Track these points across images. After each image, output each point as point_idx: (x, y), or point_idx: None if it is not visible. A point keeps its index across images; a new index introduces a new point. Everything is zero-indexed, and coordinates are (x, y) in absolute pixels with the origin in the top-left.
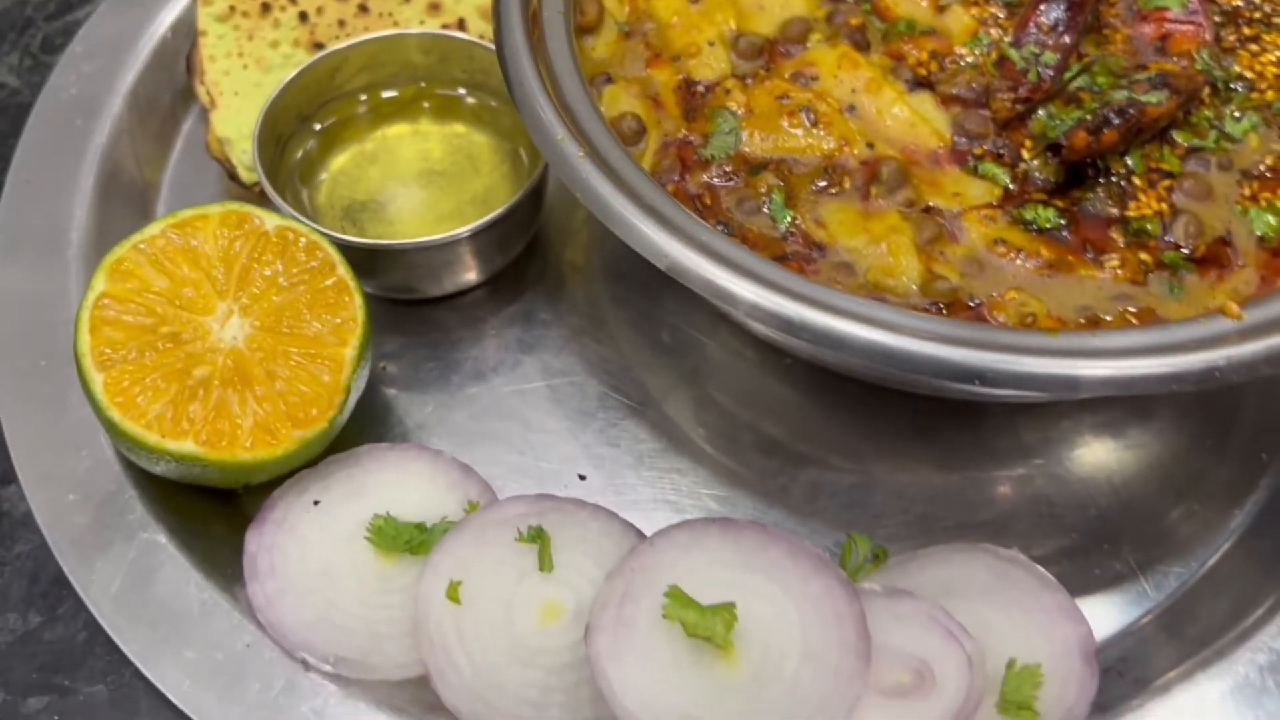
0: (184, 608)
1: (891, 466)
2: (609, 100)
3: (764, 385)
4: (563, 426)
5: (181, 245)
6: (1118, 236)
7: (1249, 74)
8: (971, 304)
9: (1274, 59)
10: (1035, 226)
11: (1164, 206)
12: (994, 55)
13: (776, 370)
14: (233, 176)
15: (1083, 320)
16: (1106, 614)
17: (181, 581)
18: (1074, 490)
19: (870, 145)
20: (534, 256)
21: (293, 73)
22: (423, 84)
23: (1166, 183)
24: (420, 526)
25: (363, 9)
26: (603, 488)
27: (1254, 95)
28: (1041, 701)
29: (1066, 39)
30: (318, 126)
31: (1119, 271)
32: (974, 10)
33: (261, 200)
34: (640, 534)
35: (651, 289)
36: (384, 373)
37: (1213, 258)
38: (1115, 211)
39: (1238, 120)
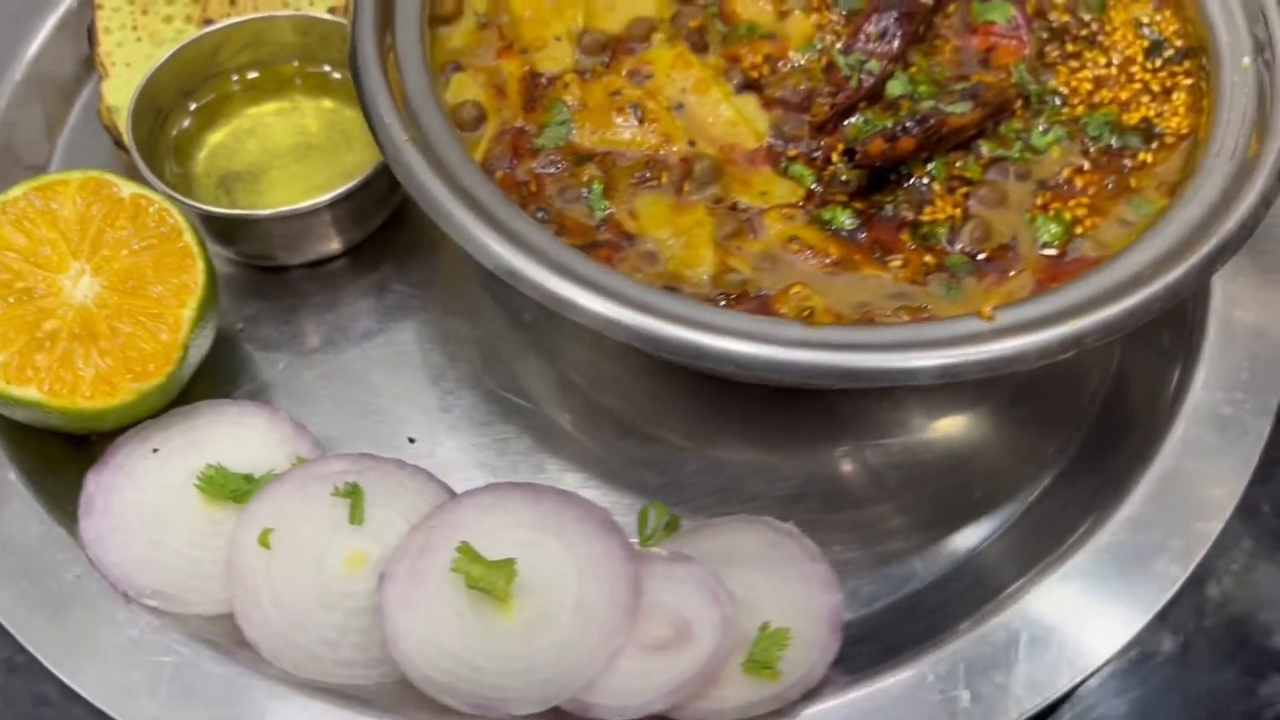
0: (26, 541)
1: (707, 442)
2: (456, 88)
3: (609, 363)
4: (402, 392)
5: (42, 208)
6: (907, 239)
7: (1064, 89)
8: (755, 295)
9: (1090, 75)
10: (831, 226)
11: (957, 212)
12: (823, 61)
13: (622, 350)
14: (119, 143)
15: (858, 316)
16: (872, 587)
17: (27, 517)
18: (872, 470)
19: (692, 143)
20: (399, 229)
21: (174, 48)
22: (297, 62)
23: (965, 189)
24: (248, 477)
25: None
26: (430, 451)
27: (1065, 110)
28: (785, 662)
29: (893, 46)
30: (197, 103)
31: (900, 271)
32: (814, 17)
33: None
34: (453, 494)
35: None
36: (240, 333)
37: (994, 262)
38: (910, 215)
39: (1044, 133)
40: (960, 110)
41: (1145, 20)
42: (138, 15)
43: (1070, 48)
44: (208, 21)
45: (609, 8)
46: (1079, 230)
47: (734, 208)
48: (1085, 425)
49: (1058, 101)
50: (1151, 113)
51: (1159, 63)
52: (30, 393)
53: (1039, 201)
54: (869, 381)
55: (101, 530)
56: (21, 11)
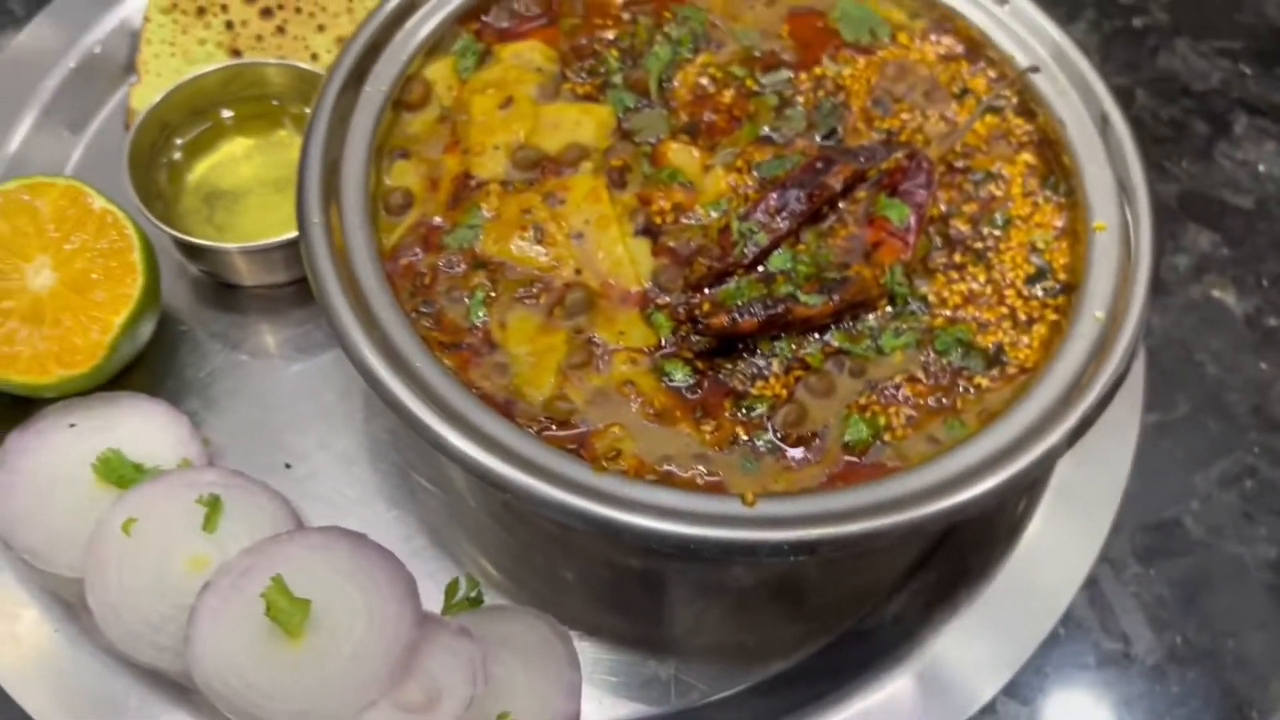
0: None
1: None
2: (396, 173)
3: None
4: (295, 420)
5: (28, 202)
6: (729, 407)
7: (934, 297)
8: (579, 427)
9: (964, 289)
10: (669, 378)
11: (784, 392)
12: (722, 222)
13: None
14: None
15: (659, 469)
16: (629, 704)
17: None
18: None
19: (578, 271)
20: None
21: (194, 74)
22: (291, 105)
23: (800, 373)
24: (138, 467)
25: (280, 30)
26: (301, 479)
27: (925, 318)
28: None
29: (784, 225)
30: (200, 126)
31: (711, 435)
32: (732, 177)
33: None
34: (300, 525)
35: None
36: (183, 334)
37: (797, 448)
38: (739, 386)
39: (896, 335)
40: (813, 302)
41: (1040, 246)
42: (178, 33)
43: (958, 258)
44: (235, 51)
45: (553, 127)
46: (886, 437)
47: (590, 340)
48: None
49: (920, 308)
50: (1007, 340)
51: (1037, 291)
52: None
53: (861, 400)
54: (616, 538)
55: (5, 484)
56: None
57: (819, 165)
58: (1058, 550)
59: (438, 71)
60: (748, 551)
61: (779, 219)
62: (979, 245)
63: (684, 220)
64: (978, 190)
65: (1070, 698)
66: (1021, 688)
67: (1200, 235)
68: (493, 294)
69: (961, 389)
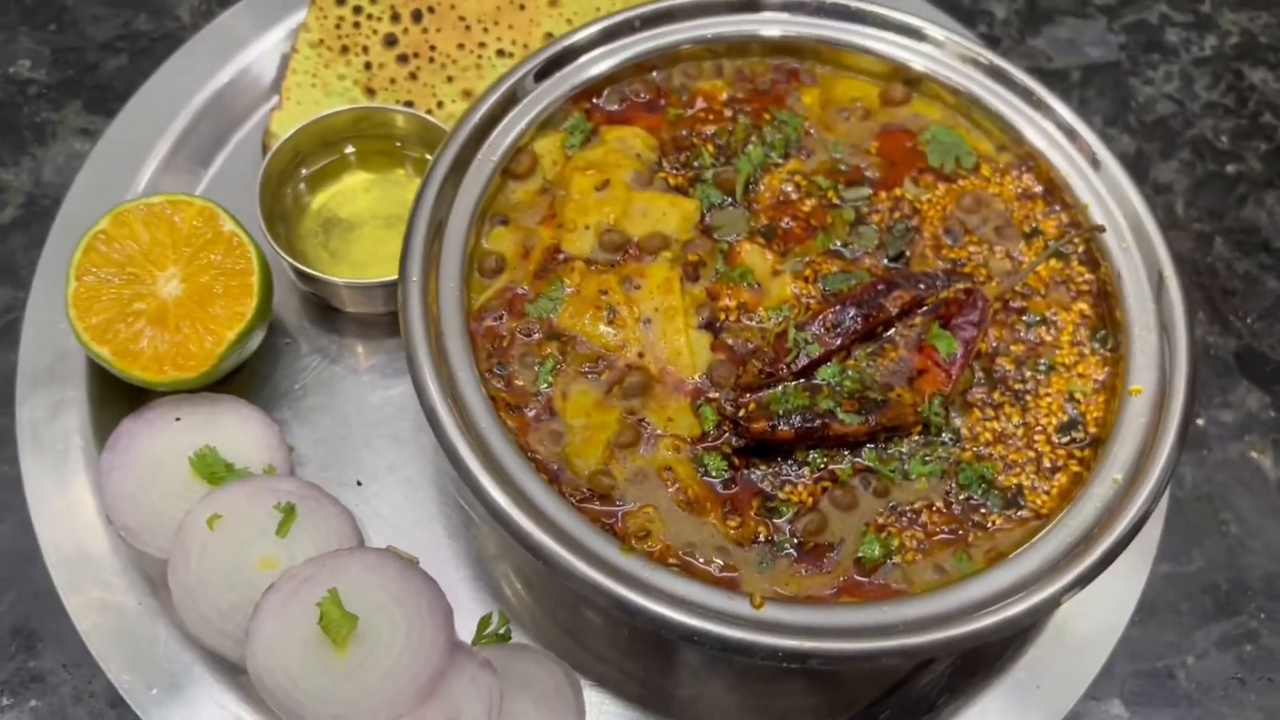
0: (67, 449)
1: None
2: (494, 237)
3: None
4: (373, 442)
5: (168, 216)
6: (756, 506)
7: (966, 431)
8: (617, 503)
9: (997, 428)
10: (705, 470)
11: (809, 500)
12: (781, 327)
13: None
14: None
15: (682, 554)
16: None
17: (79, 432)
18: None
19: (641, 355)
20: None
21: (332, 110)
22: (414, 149)
23: (827, 484)
24: (229, 466)
25: (412, 76)
26: (368, 498)
27: (954, 449)
28: None
29: (837, 341)
30: (331, 156)
31: (734, 531)
32: (798, 285)
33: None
34: (361, 541)
35: None
36: (286, 347)
37: (812, 555)
38: (768, 488)
39: (924, 463)
40: (850, 422)
41: (1079, 396)
42: (320, 67)
43: (997, 396)
44: (370, 90)
45: (641, 214)
46: (896, 559)
47: (640, 422)
48: None
49: (951, 439)
50: (1027, 484)
51: (1065, 440)
52: (104, 352)
53: (880, 520)
54: (630, 617)
55: (115, 464)
56: (251, 26)
57: (880, 287)
58: (1045, 680)
59: (546, 145)
60: (745, 651)
61: (833, 335)
62: (1019, 386)
63: (745, 320)
64: (1028, 332)
65: None
66: None
67: (1250, 394)
68: (561, 365)
69: (975, 525)
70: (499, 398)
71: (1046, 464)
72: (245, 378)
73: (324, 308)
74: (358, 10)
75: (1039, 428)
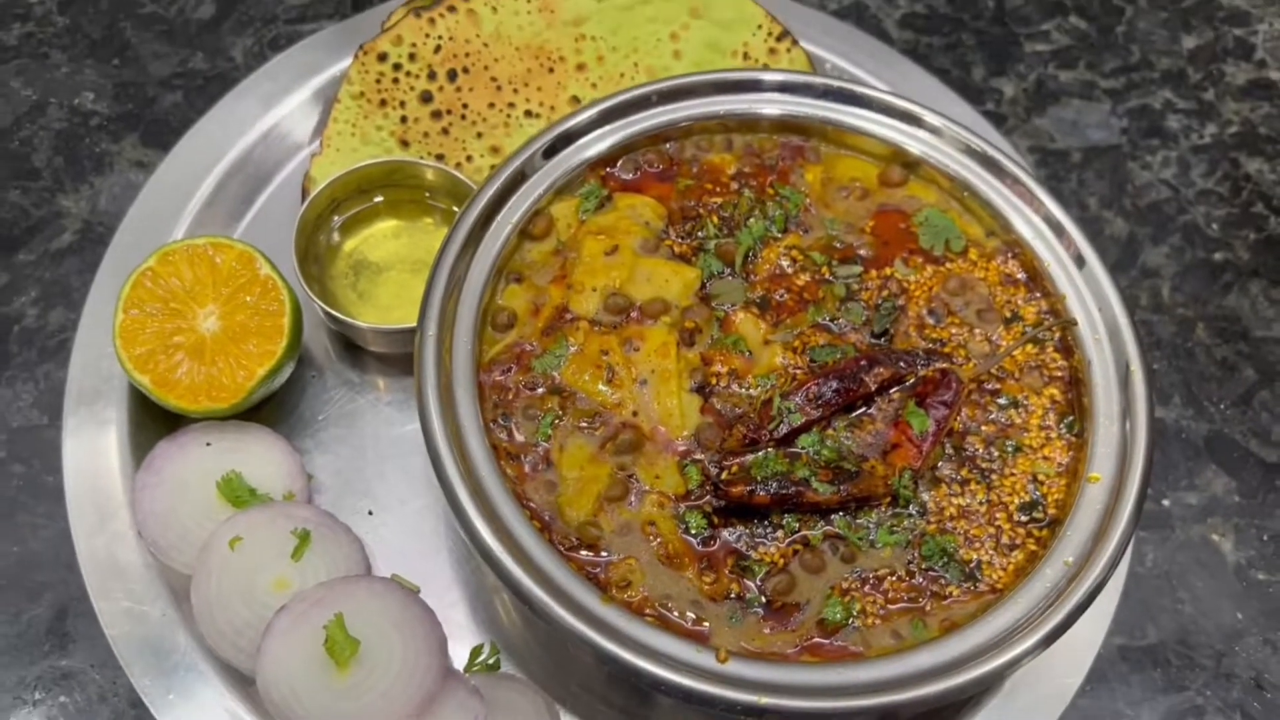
0: (105, 466)
1: None
2: (508, 294)
3: None
4: (386, 474)
5: (210, 256)
6: (730, 564)
7: (932, 505)
8: (603, 556)
9: (961, 504)
10: (686, 526)
11: (780, 561)
12: (767, 394)
13: None
14: None
15: (659, 605)
16: None
17: (117, 451)
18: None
19: (635, 414)
20: None
21: (368, 161)
22: (429, 195)
23: (798, 547)
24: (253, 491)
25: (444, 131)
26: (376, 526)
27: (920, 522)
28: None
29: (817, 413)
30: (365, 203)
31: (708, 586)
32: (787, 356)
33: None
34: (369, 568)
35: None
36: (311, 380)
37: (779, 614)
38: (742, 548)
39: (890, 533)
40: (824, 491)
41: (1041, 478)
42: (360, 117)
43: (964, 473)
44: (404, 141)
45: (645, 279)
46: (857, 622)
47: (630, 477)
48: None
49: (918, 512)
50: (985, 559)
51: (1025, 519)
52: (145, 380)
53: (844, 584)
54: (604, 663)
55: (148, 483)
56: (297, 74)
57: (863, 363)
58: None
59: (562, 209)
60: (707, 703)
61: (815, 406)
62: (986, 465)
63: (735, 387)
64: (1000, 413)
65: None
66: None
67: (1217, 478)
68: (560, 419)
69: (934, 594)
70: (500, 447)
71: (1005, 541)
72: (273, 406)
73: (350, 344)
74: (397, 67)
75: (1001, 505)
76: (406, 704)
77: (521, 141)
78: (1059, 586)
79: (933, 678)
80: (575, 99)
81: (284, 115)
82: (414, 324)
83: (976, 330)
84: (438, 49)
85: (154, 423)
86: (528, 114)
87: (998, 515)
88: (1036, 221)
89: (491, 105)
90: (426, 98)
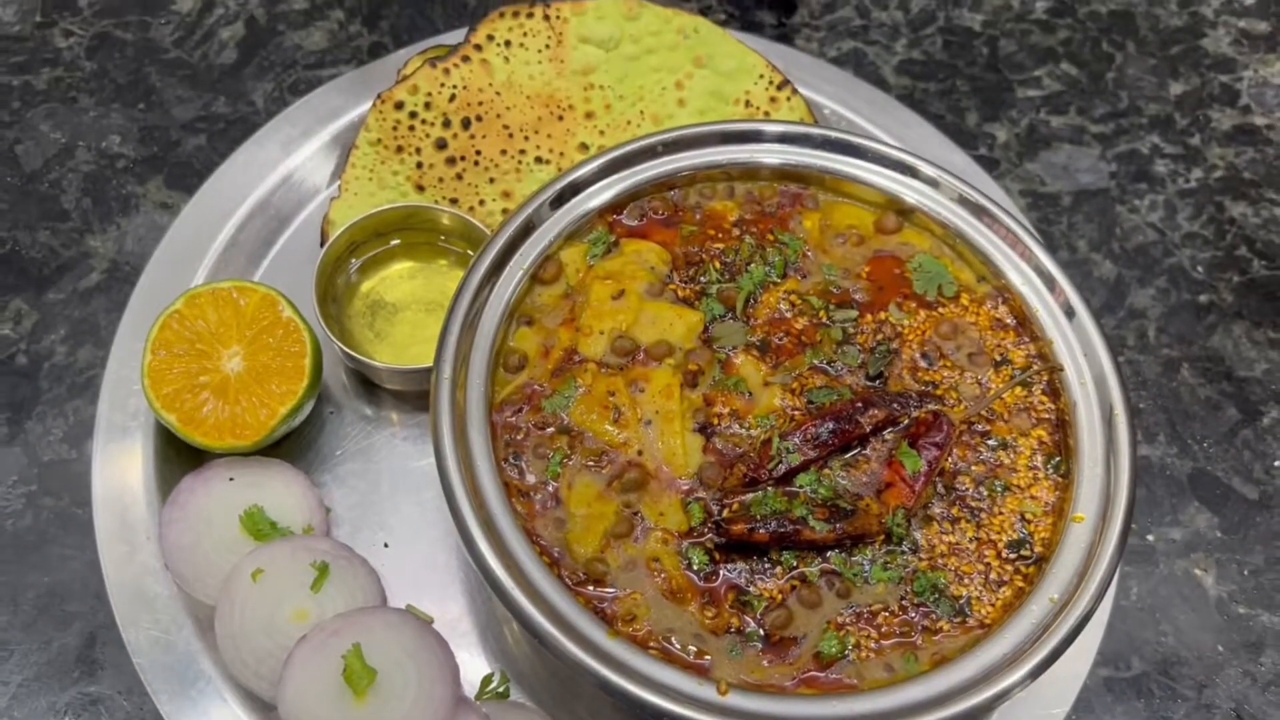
0: (133, 500)
1: None
2: (519, 336)
3: None
4: (401, 508)
5: (235, 299)
6: (730, 599)
7: (924, 543)
8: (609, 590)
9: (952, 541)
10: (689, 562)
11: (779, 597)
12: (766, 435)
13: None
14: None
15: (661, 638)
16: None
17: (144, 485)
18: None
19: (640, 453)
20: None
21: (385, 206)
22: (444, 238)
23: (796, 583)
24: (274, 525)
25: (458, 177)
26: (392, 558)
27: (912, 559)
28: None
29: (813, 454)
30: (382, 246)
31: (710, 621)
32: (786, 397)
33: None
34: (384, 600)
35: None
36: (330, 416)
37: (777, 648)
38: (741, 583)
39: (884, 569)
40: (820, 529)
41: (1029, 516)
42: (377, 163)
43: (955, 511)
44: (419, 186)
45: (650, 322)
46: (851, 655)
47: (635, 514)
48: None
49: (910, 549)
50: (975, 595)
51: (1013, 556)
52: (171, 419)
53: (840, 619)
54: (610, 695)
55: (174, 517)
56: (315, 119)
57: (858, 405)
58: None
59: (571, 254)
60: None
61: (812, 446)
62: (976, 504)
63: (736, 427)
64: (989, 454)
65: None
66: None
67: (1199, 515)
68: (569, 457)
69: (925, 629)
70: (512, 484)
71: (994, 577)
72: (293, 442)
73: (366, 381)
74: (413, 115)
75: (990, 543)
76: None
77: (532, 186)
78: (1045, 622)
79: (924, 710)
80: (584, 145)
81: (303, 160)
82: (428, 363)
83: (967, 373)
84: (452, 98)
85: (179, 457)
86: (538, 160)
87: (987, 553)
88: (1026, 270)
89: (504, 152)
90: (441, 144)
